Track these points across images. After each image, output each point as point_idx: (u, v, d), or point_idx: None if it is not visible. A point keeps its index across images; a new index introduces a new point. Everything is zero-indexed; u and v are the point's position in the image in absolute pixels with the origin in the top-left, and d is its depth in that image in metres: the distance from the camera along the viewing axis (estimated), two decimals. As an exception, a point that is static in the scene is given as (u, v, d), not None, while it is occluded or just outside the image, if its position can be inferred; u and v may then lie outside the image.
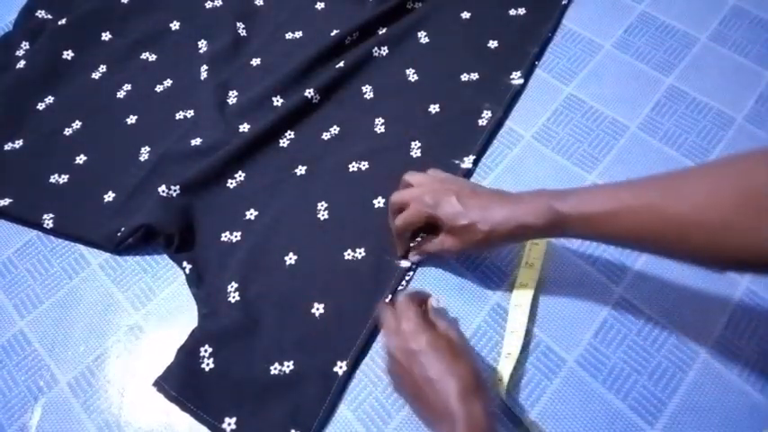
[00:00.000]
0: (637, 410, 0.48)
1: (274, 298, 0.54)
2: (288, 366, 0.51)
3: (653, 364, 0.50)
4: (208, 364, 0.51)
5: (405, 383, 0.44)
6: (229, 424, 0.49)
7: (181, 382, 0.50)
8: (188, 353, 0.51)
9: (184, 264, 0.56)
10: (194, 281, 0.56)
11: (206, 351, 0.51)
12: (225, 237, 0.58)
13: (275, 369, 0.51)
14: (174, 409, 0.50)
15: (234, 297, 0.54)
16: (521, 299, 0.53)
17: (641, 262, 0.55)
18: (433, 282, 0.56)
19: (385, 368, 0.48)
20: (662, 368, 0.50)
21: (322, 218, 0.59)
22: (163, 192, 0.59)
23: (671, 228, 0.40)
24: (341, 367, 0.51)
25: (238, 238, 0.58)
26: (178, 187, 0.59)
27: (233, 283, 0.55)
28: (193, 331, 0.53)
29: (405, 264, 0.55)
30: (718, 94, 0.65)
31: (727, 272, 0.54)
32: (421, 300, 0.49)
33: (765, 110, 0.64)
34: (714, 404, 0.48)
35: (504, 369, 0.49)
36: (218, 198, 0.61)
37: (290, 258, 0.57)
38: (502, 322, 0.53)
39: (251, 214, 0.60)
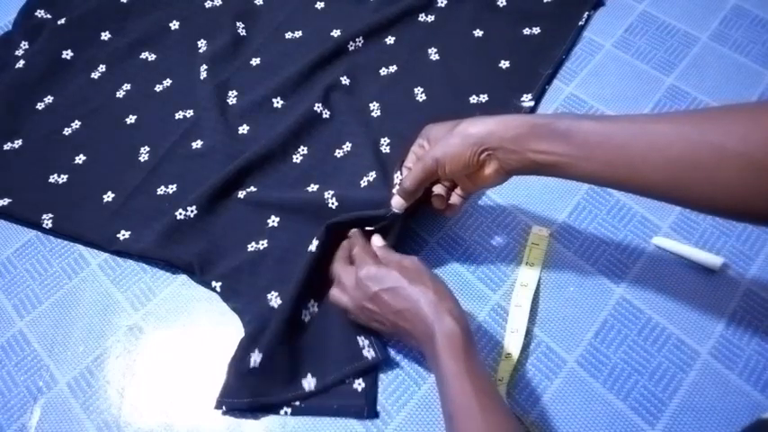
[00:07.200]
0: (637, 411, 0.48)
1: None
2: (313, 306, 0.51)
3: (653, 364, 0.50)
4: (255, 362, 0.50)
5: (382, 323, 0.46)
6: (309, 383, 0.50)
7: (248, 388, 0.49)
8: (239, 362, 0.51)
9: (213, 283, 0.56)
10: (229, 296, 0.55)
11: (256, 356, 0.51)
12: (252, 247, 0.58)
13: (306, 315, 0.51)
14: (173, 409, 0.50)
15: (276, 302, 0.54)
16: (521, 299, 0.53)
17: (642, 262, 0.55)
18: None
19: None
20: (662, 368, 0.50)
21: (332, 205, 0.58)
22: (180, 215, 0.58)
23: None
24: None
25: (265, 245, 0.58)
26: (194, 207, 0.58)
27: (273, 292, 0.54)
28: (242, 341, 0.52)
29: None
30: (719, 94, 0.65)
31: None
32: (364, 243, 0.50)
33: (766, 109, 0.64)
34: (715, 404, 0.48)
35: (505, 369, 0.49)
36: (235, 213, 0.60)
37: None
38: (502, 322, 0.53)
39: (273, 221, 0.59)
